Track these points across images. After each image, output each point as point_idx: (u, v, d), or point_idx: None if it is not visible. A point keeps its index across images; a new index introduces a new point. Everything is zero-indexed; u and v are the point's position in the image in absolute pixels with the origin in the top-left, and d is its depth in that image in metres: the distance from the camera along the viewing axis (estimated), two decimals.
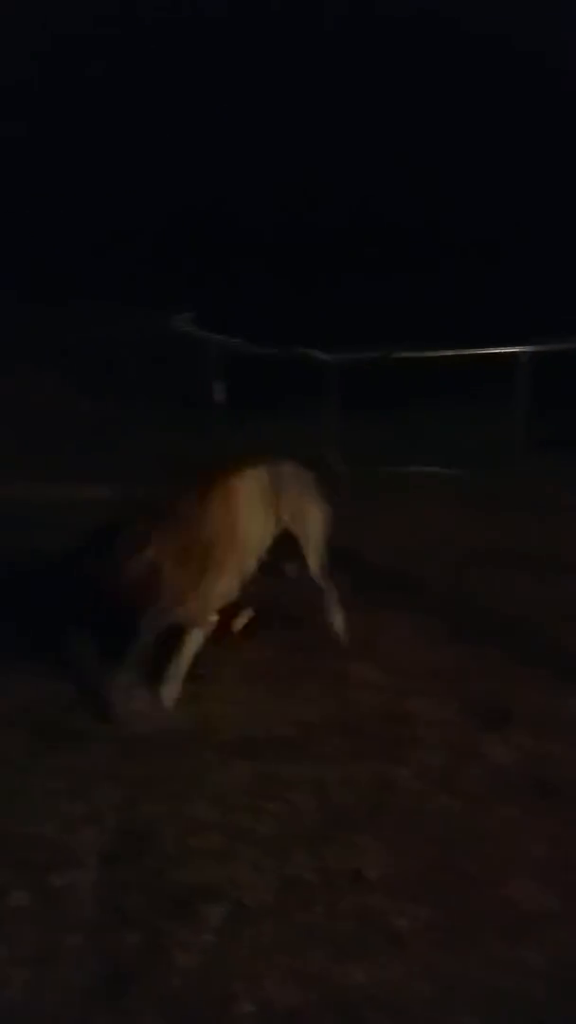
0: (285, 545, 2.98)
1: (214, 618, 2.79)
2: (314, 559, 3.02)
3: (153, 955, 1.82)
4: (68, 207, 6.49)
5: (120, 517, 2.57)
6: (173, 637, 2.63)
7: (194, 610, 2.60)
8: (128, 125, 6.64)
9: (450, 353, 4.85)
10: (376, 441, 5.17)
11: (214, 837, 2.11)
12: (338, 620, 3.03)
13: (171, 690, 2.55)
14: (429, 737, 2.52)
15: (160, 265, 6.26)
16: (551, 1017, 1.70)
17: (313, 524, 3.02)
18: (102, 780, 2.28)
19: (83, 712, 2.57)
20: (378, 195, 5.94)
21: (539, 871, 2.01)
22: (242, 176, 6.29)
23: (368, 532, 4.13)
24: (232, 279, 5.34)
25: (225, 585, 2.69)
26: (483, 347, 4.93)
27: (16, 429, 5.00)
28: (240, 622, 3.15)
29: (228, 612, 2.97)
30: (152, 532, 2.50)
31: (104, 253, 6.33)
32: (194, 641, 2.62)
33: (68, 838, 2.07)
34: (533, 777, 2.34)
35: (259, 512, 2.82)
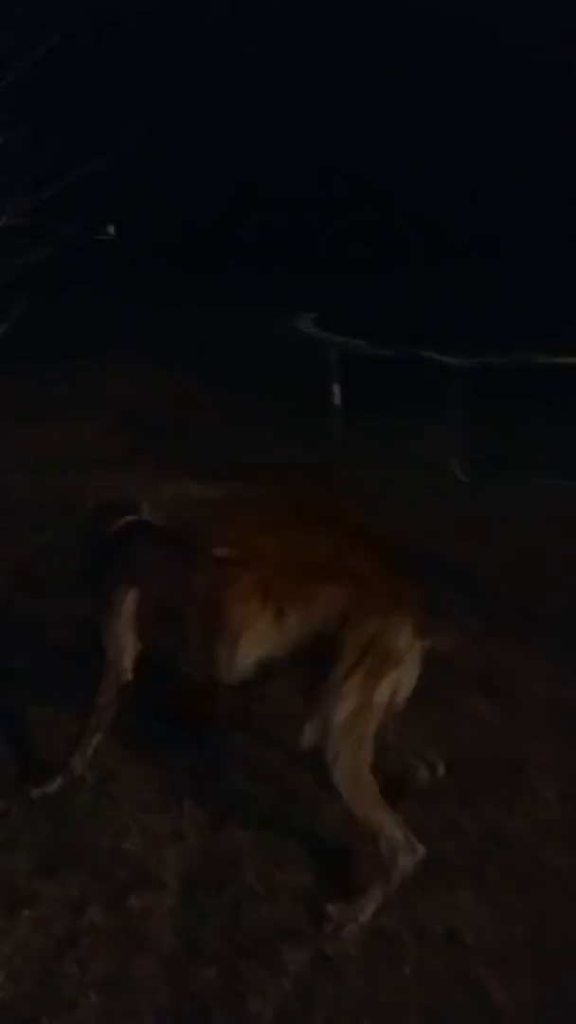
0: None
1: None
2: None
3: (226, 995, 1.71)
4: (189, 208, 6.51)
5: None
6: None
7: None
8: (252, 122, 6.60)
9: None
10: (501, 450, 4.86)
11: (300, 873, 1.98)
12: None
13: None
14: (546, 786, 2.28)
15: (284, 265, 6.18)
16: None
17: None
18: (189, 795, 2.19)
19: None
20: (520, 194, 5.63)
21: None
22: (369, 171, 6.12)
23: (487, 548, 3.86)
24: (357, 279, 5.19)
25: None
26: None
27: (136, 428, 5.05)
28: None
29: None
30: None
31: (230, 254, 6.30)
32: None
33: (150, 856, 1.99)
34: None
35: None
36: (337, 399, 4.93)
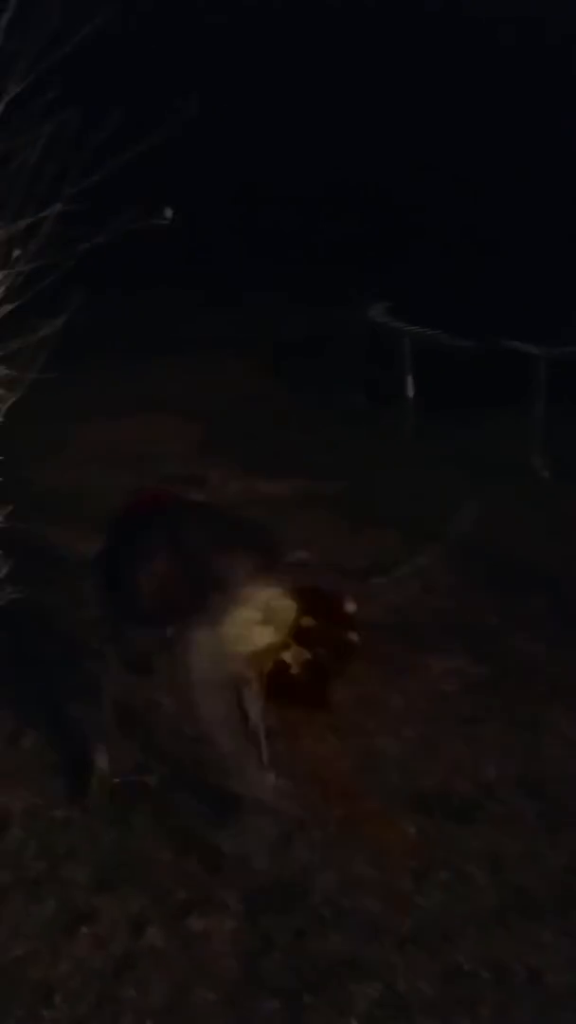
0: None
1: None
2: None
3: None
4: (254, 196, 6.41)
5: None
6: None
7: None
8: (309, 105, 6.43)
9: None
10: None
11: (369, 901, 1.87)
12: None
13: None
14: None
15: (355, 253, 6.01)
16: None
17: None
18: (256, 811, 2.10)
19: None
20: None
21: None
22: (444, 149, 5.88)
23: (570, 550, 3.64)
24: (433, 266, 4.99)
25: None
26: None
27: (208, 423, 4.98)
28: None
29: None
30: None
31: (300, 243, 6.18)
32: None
33: (213, 876, 1.91)
34: None
35: None
36: (410, 391, 4.74)
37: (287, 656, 2.24)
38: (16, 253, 1.95)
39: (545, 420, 4.33)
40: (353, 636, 2.47)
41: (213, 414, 4.97)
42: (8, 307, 1.95)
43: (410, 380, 4.64)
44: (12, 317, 2.06)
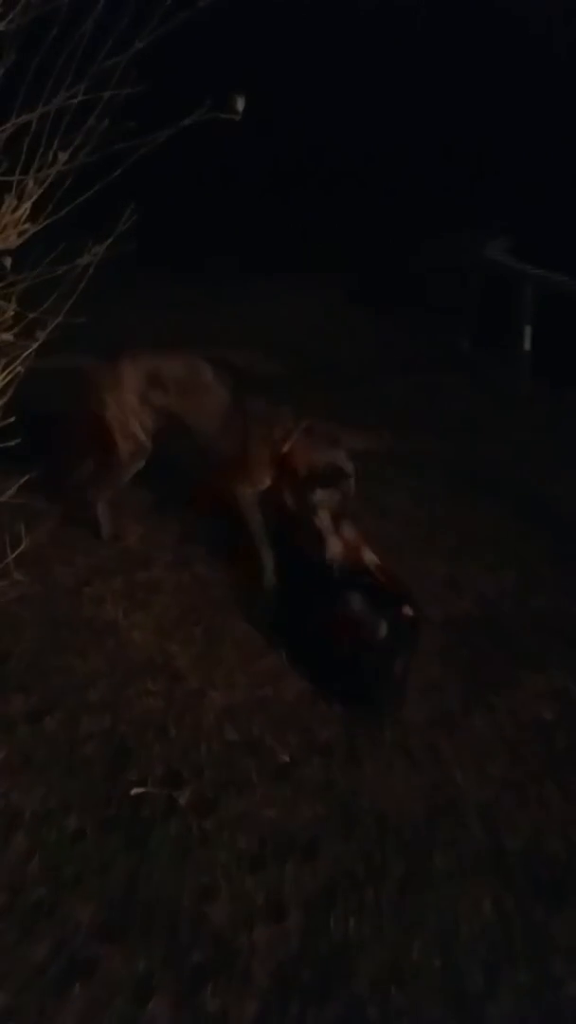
0: None
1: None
2: None
3: None
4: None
5: None
6: None
7: None
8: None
9: None
10: None
11: (427, 997, 1.51)
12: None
13: None
14: None
15: (471, 182, 5.31)
16: None
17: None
18: (297, 849, 1.76)
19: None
20: None
21: None
22: None
23: None
24: (563, 202, 4.28)
25: None
26: None
27: (287, 358, 4.46)
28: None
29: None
30: None
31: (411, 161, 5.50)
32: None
33: (239, 934, 1.58)
34: None
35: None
36: (527, 343, 4.14)
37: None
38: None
39: None
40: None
41: (299, 349, 4.51)
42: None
43: (528, 330, 4.06)
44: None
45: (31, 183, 1.53)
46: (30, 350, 1.61)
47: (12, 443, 1.71)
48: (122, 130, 1.45)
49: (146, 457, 2.56)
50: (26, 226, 1.56)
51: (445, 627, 2.43)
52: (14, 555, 1.82)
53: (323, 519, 2.37)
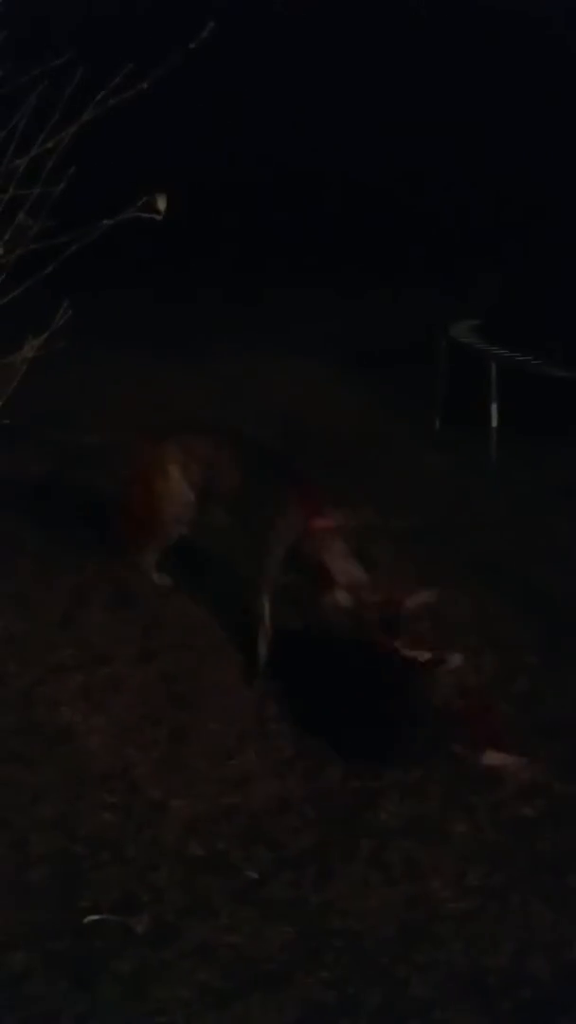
0: None
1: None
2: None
3: None
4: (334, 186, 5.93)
5: None
6: None
7: None
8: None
9: None
10: None
11: None
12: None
13: None
14: None
15: (442, 264, 5.46)
16: None
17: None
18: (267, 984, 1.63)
19: None
20: None
21: None
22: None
23: None
24: (526, 285, 4.39)
25: None
26: None
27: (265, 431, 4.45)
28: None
29: None
30: None
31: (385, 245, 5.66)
32: None
33: None
34: None
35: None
36: (495, 420, 4.17)
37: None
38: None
39: None
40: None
41: (274, 424, 4.53)
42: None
43: (495, 408, 4.10)
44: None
45: None
46: None
47: None
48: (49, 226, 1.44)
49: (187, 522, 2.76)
50: None
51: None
52: None
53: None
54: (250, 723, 2.27)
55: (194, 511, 2.77)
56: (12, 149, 1.46)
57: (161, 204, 1.34)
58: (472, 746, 2.14)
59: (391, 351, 5.25)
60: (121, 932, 1.68)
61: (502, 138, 5.65)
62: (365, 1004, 1.60)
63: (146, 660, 2.48)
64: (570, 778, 2.17)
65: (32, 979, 1.59)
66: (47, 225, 1.45)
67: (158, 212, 1.33)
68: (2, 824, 1.88)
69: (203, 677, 2.43)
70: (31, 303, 1.69)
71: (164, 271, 5.68)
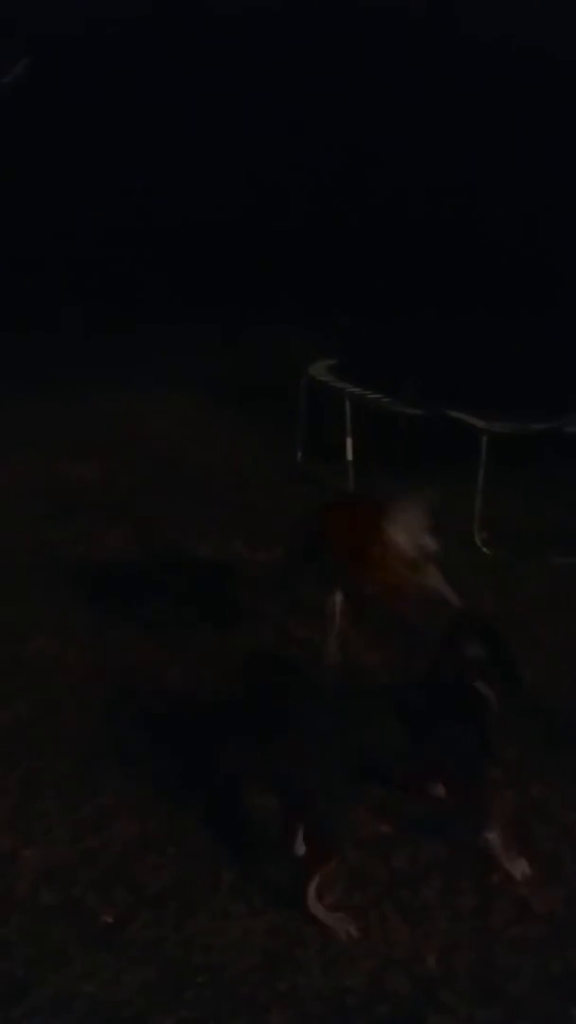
0: None
1: None
2: None
3: None
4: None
5: None
6: None
7: None
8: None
9: None
10: (534, 523, 4.26)
11: None
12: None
13: None
14: None
15: (299, 304, 5.68)
16: None
17: None
18: None
19: None
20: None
21: None
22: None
23: (520, 642, 3.20)
24: (383, 326, 4.65)
25: None
26: None
27: (135, 469, 4.46)
28: None
29: None
30: None
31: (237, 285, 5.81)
32: None
33: None
34: None
35: None
36: (349, 454, 4.34)
37: None
38: None
39: (486, 493, 3.98)
40: None
41: (140, 458, 4.50)
42: None
43: (349, 442, 4.27)
44: None
45: None
46: None
47: None
48: None
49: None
50: None
51: None
52: None
53: None
54: (109, 765, 2.22)
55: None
56: None
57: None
58: None
59: (262, 387, 5.39)
60: None
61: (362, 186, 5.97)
62: None
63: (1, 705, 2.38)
64: None
65: None
66: None
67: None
68: None
69: (59, 720, 2.36)
70: None
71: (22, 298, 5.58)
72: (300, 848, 1.87)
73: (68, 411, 4.76)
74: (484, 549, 3.80)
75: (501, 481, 4.06)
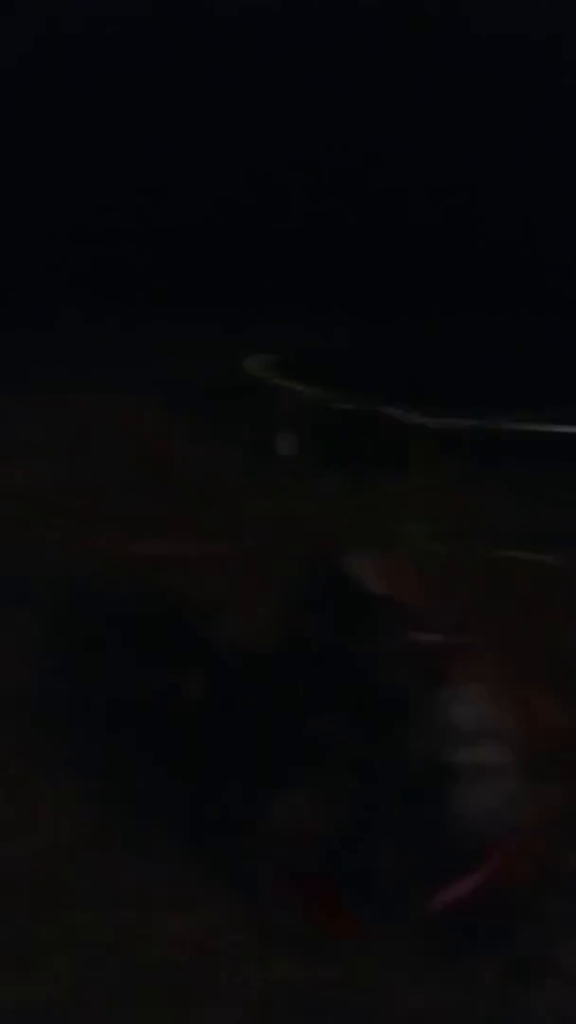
0: None
1: None
2: None
3: None
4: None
5: None
6: None
7: None
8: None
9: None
10: (462, 517, 4.35)
11: None
12: None
13: None
14: None
15: (235, 300, 5.66)
16: None
17: None
18: None
19: None
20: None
21: None
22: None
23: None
24: (319, 320, 4.68)
25: None
26: None
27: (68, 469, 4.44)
28: None
29: None
30: None
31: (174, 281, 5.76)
32: None
33: None
34: None
35: None
36: (286, 450, 4.38)
37: None
38: None
39: (422, 489, 4.06)
40: None
41: (75, 459, 4.44)
42: None
43: (284, 438, 4.30)
44: None
45: None
46: None
47: None
48: None
49: None
50: None
51: None
52: None
53: None
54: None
55: None
56: None
57: None
58: None
59: (216, 386, 5.37)
60: None
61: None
62: None
63: None
64: None
65: None
66: None
67: None
68: None
69: None
70: None
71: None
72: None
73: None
74: (420, 543, 3.89)
75: (445, 476, 4.16)
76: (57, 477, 4.39)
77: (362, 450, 4.17)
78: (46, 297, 5.97)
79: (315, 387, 4.19)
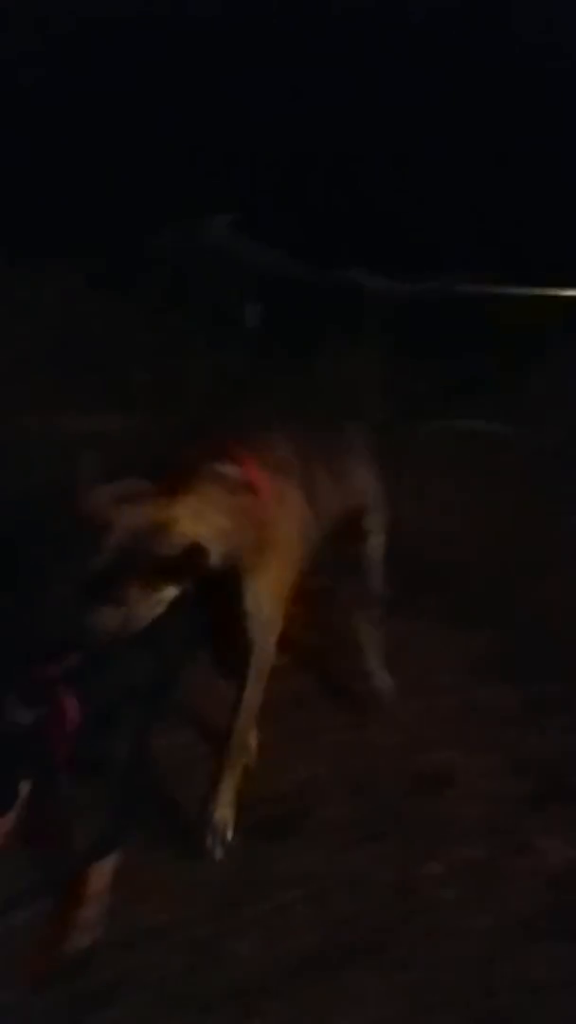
0: None
1: None
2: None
3: None
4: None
5: None
6: None
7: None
8: None
9: (524, 292, 4.03)
10: (429, 390, 4.38)
11: None
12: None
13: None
14: None
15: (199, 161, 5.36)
16: None
17: None
18: None
19: None
20: None
21: None
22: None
23: (405, 506, 3.25)
24: (281, 182, 4.45)
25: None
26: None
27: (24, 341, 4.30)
28: None
29: None
30: None
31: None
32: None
33: None
34: None
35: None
36: (252, 321, 4.27)
37: None
38: None
39: (384, 360, 4.04)
40: None
41: (30, 334, 4.28)
42: None
43: (250, 308, 4.18)
44: None
45: None
46: None
47: None
48: None
49: None
50: None
51: None
52: None
53: None
54: None
55: None
56: None
57: None
58: None
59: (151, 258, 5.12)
60: None
61: None
62: None
63: None
64: None
65: None
66: None
67: None
68: None
69: None
70: None
71: None
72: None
73: None
74: (381, 418, 3.91)
75: (397, 346, 4.11)
76: None
77: (330, 316, 4.07)
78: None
79: (278, 249, 4.01)
